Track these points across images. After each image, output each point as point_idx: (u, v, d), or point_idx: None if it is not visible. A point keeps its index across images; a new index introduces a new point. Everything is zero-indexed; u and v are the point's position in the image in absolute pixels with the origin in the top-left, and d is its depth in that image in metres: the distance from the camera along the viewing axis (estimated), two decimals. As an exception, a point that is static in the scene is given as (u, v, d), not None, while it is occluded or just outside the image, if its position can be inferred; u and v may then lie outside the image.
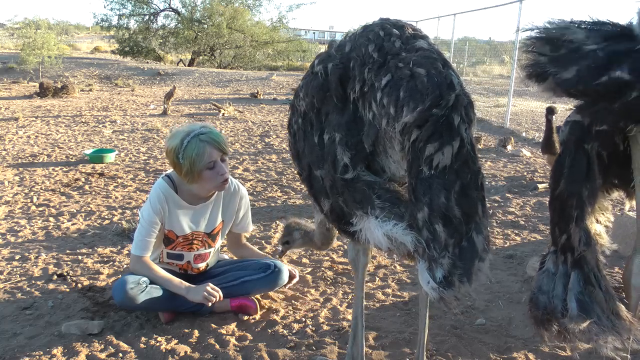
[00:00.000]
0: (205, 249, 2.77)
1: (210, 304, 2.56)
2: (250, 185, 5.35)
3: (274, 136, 8.17)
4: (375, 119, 1.70)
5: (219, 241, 2.83)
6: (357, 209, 1.75)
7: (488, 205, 4.68)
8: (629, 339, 1.60)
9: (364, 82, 1.75)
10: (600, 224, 1.88)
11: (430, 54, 1.68)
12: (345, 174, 1.75)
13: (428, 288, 1.53)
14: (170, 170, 2.67)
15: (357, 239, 1.82)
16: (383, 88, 1.66)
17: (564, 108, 8.77)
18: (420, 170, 1.53)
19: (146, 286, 2.54)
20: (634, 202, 2.03)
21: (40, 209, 4.44)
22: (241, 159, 6.53)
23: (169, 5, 25.59)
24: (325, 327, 2.61)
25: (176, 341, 2.46)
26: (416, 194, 1.55)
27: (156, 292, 2.56)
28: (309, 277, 3.21)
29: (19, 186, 5.09)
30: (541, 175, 5.95)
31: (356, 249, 2.13)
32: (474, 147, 1.57)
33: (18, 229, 3.92)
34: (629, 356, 1.91)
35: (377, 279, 3.20)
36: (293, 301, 2.90)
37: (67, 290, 2.96)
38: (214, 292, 2.54)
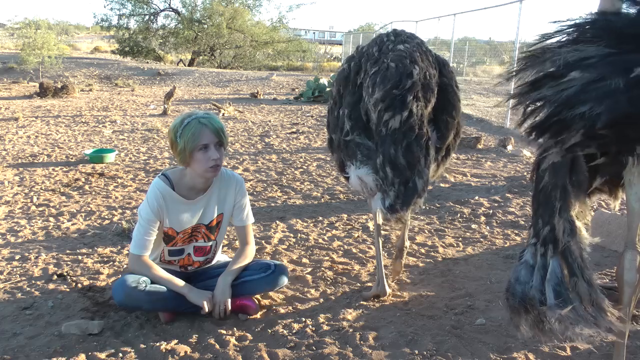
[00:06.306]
0: (205, 241, 2.77)
1: (207, 310, 2.58)
2: (250, 185, 5.35)
3: (274, 136, 8.17)
4: (365, 95, 2.44)
5: (220, 234, 2.83)
6: (348, 159, 2.54)
7: (488, 205, 4.70)
8: (609, 331, 1.61)
9: (365, 71, 2.50)
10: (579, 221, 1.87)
11: (402, 53, 2.44)
12: (347, 137, 2.52)
13: (379, 211, 2.46)
14: (165, 169, 2.67)
15: (348, 181, 2.63)
16: (371, 75, 2.43)
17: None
18: (380, 130, 2.34)
19: (146, 286, 2.54)
20: (617, 203, 2.05)
21: (40, 209, 4.44)
22: (241, 159, 6.53)
23: (169, 5, 25.64)
24: (325, 327, 2.61)
25: (176, 341, 2.46)
26: (377, 146, 2.36)
27: (156, 292, 2.55)
28: (309, 277, 3.21)
29: (19, 186, 5.09)
30: (541, 175, 5.93)
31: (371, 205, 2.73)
32: (422, 118, 2.33)
33: (18, 229, 3.93)
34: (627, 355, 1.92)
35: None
36: (293, 301, 2.90)
37: (67, 290, 2.96)
38: (213, 303, 2.62)
